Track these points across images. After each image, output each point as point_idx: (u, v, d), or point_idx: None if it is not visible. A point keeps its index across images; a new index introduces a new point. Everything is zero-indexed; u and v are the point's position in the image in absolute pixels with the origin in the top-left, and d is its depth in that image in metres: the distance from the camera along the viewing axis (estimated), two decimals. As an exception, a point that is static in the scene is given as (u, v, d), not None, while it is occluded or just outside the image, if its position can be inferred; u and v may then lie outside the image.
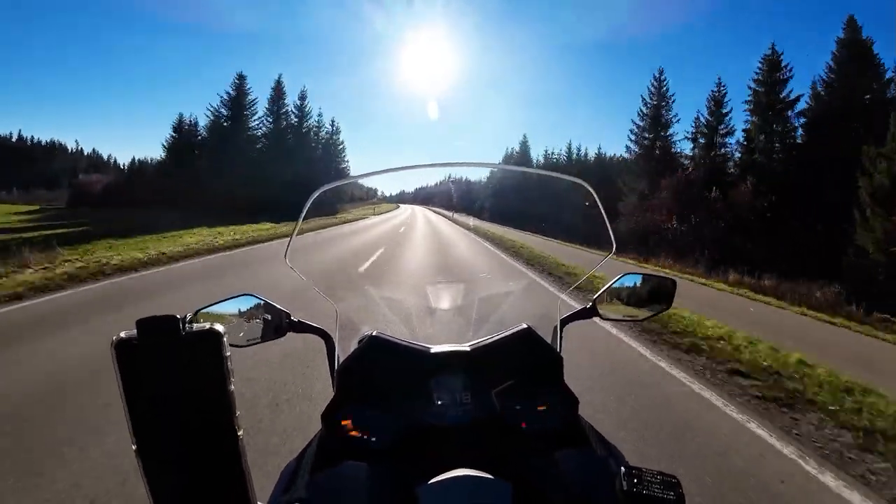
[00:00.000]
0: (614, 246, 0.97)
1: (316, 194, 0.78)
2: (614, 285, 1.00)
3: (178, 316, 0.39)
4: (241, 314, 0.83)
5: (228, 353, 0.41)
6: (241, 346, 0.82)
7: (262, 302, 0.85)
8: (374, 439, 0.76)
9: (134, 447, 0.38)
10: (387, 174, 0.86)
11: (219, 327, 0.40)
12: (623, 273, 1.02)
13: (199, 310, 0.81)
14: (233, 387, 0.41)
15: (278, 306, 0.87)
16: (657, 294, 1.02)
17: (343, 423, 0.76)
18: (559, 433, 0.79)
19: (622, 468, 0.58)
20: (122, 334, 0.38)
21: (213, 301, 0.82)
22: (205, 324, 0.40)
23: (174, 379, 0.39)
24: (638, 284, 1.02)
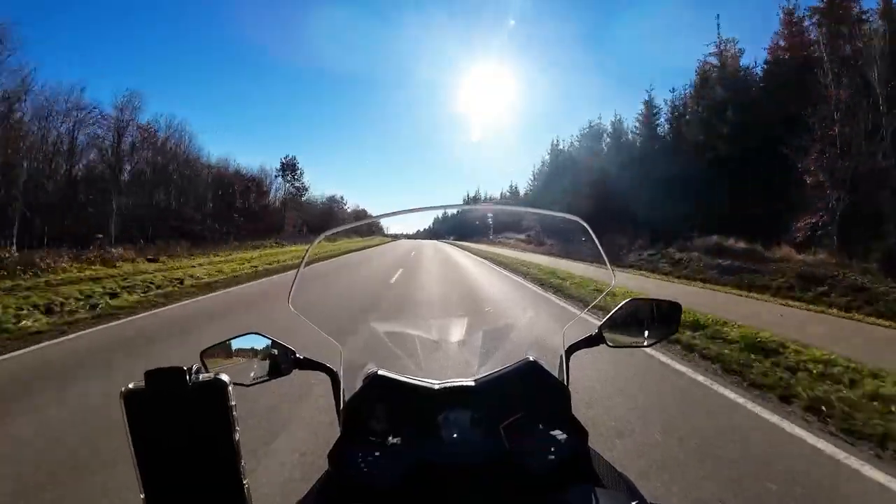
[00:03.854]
0: (614, 280, 0.97)
1: (320, 238, 0.81)
2: (619, 311, 1.00)
3: (185, 367, 0.41)
4: (247, 353, 0.85)
5: (233, 403, 0.43)
6: (248, 385, 0.84)
7: (269, 341, 0.87)
8: (381, 479, 0.75)
9: (142, 496, 0.40)
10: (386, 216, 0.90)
11: (224, 377, 0.43)
12: (628, 299, 1.02)
13: (206, 349, 0.83)
14: (238, 436, 0.42)
15: (284, 344, 0.89)
16: (662, 318, 1.01)
17: (349, 462, 0.76)
18: (569, 467, 0.78)
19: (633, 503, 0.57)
20: (131, 385, 0.40)
21: (219, 340, 0.84)
22: (210, 374, 0.42)
23: (181, 429, 0.41)
24: (643, 310, 1.02)
